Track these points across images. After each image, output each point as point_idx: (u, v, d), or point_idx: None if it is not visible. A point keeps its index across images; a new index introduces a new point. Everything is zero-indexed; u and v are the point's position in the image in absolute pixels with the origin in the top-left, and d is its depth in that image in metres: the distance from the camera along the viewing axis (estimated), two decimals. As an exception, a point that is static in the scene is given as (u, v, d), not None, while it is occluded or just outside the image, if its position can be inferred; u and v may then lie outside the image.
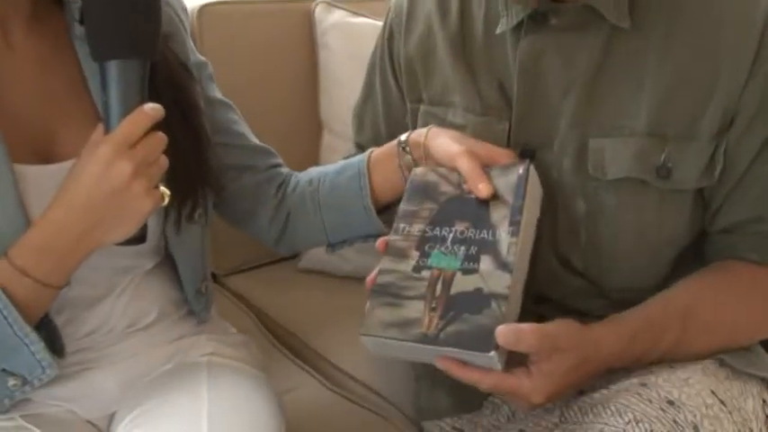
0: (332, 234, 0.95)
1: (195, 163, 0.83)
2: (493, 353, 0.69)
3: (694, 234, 0.85)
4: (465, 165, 0.79)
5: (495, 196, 0.77)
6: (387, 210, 0.91)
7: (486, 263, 0.74)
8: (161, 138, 0.71)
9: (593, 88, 0.81)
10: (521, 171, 0.77)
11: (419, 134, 0.86)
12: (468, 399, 0.91)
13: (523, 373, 0.71)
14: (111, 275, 0.84)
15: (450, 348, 0.71)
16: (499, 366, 0.70)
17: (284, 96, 1.45)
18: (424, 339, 0.72)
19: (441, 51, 0.90)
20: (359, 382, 1.15)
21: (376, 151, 0.91)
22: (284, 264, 1.48)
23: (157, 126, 0.71)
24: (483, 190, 0.76)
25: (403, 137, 0.88)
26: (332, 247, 0.97)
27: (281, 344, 1.26)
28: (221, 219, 1.00)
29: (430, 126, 0.87)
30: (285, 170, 1.00)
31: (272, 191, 0.96)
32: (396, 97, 0.99)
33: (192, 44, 0.93)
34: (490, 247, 0.74)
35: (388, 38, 0.98)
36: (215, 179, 0.87)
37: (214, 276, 1.35)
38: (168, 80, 0.80)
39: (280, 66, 1.45)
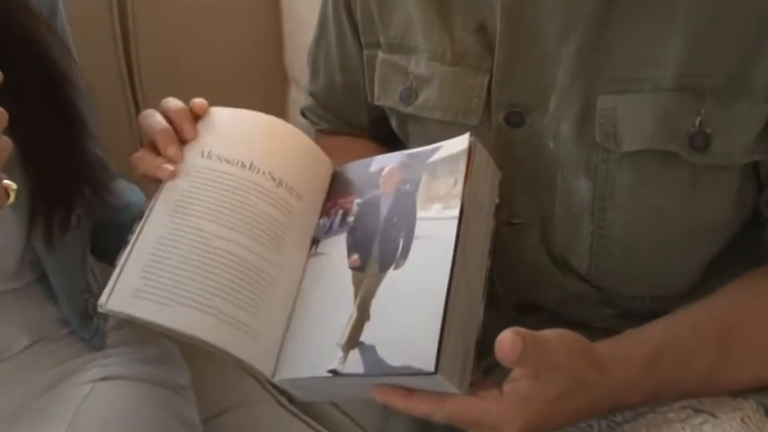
0: None
1: (65, 150, 0.69)
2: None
3: (740, 226, 0.71)
4: None
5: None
6: None
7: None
8: None
9: (602, 27, 0.66)
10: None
11: None
12: None
13: (492, 397, 0.57)
14: None
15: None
16: (460, 388, 0.56)
17: (242, 44, 1.28)
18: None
19: None
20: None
21: None
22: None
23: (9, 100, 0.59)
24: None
25: None
26: None
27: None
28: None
29: None
30: None
31: None
32: (351, 39, 0.85)
33: None
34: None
35: None
36: (93, 174, 0.72)
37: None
38: (21, 35, 0.65)
39: (236, 7, 1.27)
